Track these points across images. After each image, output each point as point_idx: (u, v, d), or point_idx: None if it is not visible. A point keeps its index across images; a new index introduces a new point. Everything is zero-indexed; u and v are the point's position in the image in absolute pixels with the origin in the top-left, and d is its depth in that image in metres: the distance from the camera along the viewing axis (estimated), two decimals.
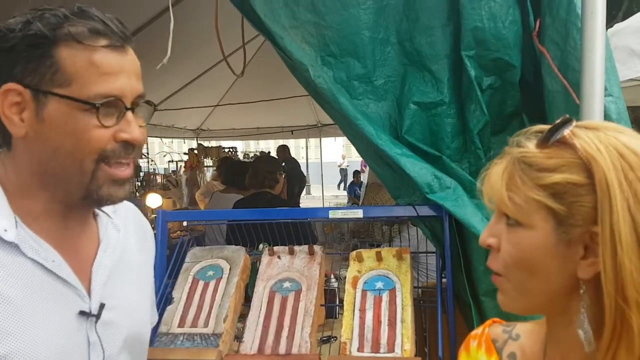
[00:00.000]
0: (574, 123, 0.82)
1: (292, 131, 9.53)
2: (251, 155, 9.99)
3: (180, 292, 1.80)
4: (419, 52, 1.81)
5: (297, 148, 16.89)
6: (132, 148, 0.96)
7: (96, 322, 0.98)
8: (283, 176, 4.05)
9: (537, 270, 0.82)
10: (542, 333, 0.94)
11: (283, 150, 9.17)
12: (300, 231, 2.25)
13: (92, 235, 1.05)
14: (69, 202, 0.97)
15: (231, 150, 8.77)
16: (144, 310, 1.16)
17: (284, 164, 8.72)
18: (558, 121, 0.82)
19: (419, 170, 1.69)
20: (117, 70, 0.93)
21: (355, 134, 1.80)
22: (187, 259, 1.90)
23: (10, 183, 0.94)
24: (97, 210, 1.08)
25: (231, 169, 4.72)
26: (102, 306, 0.99)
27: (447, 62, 1.79)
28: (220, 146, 8.84)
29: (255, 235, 2.24)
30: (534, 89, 1.77)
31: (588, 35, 1.51)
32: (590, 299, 0.79)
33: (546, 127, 0.83)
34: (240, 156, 9.55)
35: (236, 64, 2.91)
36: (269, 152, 9.17)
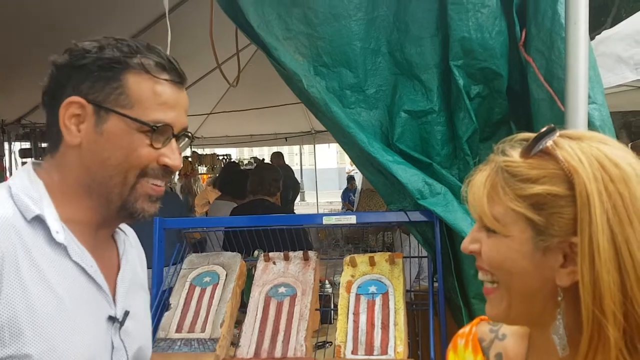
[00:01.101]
0: (557, 133, 0.82)
1: (286, 138, 9.57)
2: (245, 162, 10.01)
3: (177, 299, 1.83)
4: (409, 62, 1.87)
5: (291, 155, 16.93)
6: (170, 172, 1.07)
7: (120, 328, 1.05)
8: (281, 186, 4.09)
9: (514, 273, 0.83)
10: (526, 336, 0.96)
11: (277, 157, 9.19)
12: (295, 238, 2.29)
13: (114, 250, 1.14)
14: (106, 212, 1.05)
15: (225, 157, 8.79)
16: (150, 325, 1.24)
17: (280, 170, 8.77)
18: (542, 130, 0.82)
19: (410, 176, 1.74)
20: (174, 102, 1.04)
21: (348, 142, 1.84)
22: (184, 266, 1.94)
23: (56, 190, 1.02)
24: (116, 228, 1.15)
25: (229, 176, 4.74)
26: (126, 313, 1.06)
27: (437, 71, 1.84)
28: (214, 154, 8.86)
29: (251, 242, 2.28)
30: (520, 97, 1.83)
31: (572, 44, 1.56)
32: (568, 306, 0.81)
33: (531, 135, 0.84)
34: None
35: (230, 72, 2.95)
36: (263, 159, 9.20)
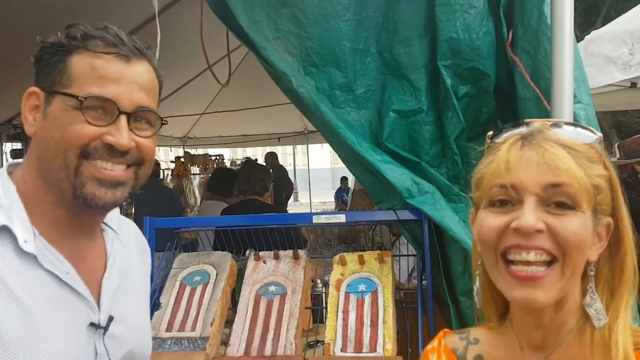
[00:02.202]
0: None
1: (279, 138, 9.58)
2: (238, 162, 10.02)
3: (167, 298, 1.84)
4: (397, 62, 1.88)
5: (284, 155, 16.93)
6: (117, 152, 0.98)
7: (104, 334, 1.01)
8: (272, 185, 4.09)
9: (584, 253, 0.84)
10: (504, 331, 0.97)
11: (271, 157, 9.20)
12: (285, 237, 2.30)
13: (100, 250, 1.09)
14: (66, 204, 0.99)
15: (218, 157, 8.79)
16: (146, 327, 1.20)
17: (271, 170, 8.78)
18: (560, 120, 0.94)
19: (398, 175, 1.76)
20: (117, 76, 0.98)
21: (338, 142, 1.86)
22: (174, 265, 1.95)
23: (28, 193, 0.99)
24: (103, 226, 1.11)
25: (217, 176, 4.75)
26: (110, 319, 1.02)
27: (425, 71, 1.86)
28: (207, 154, 8.85)
29: (242, 242, 2.29)
30: (508, 96, 1.85)
31: (557, 45, 1.58)
32: (602, 278, 0.89)
33: (560, 120, 0.93)
34: (228, 164, 9.56)
35: (222, 72, 2.96)
36: (256, 159, 9.21)
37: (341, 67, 1.92)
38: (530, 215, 0.81)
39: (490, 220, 0.86)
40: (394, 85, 1.91)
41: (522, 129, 0.90)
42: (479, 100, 1.84)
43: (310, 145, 10.89)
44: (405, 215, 1.84)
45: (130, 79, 0.99)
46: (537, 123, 0.90)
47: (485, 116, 1.86)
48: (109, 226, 1.12)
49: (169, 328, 1.75)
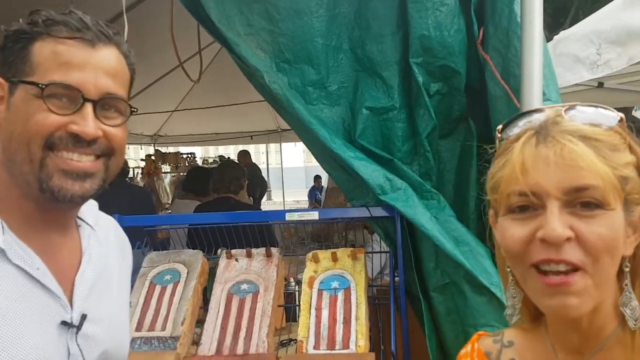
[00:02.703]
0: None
1: (251, 136, 9.53)
2: (210, 161, 9.93)
3: (137, 297, 1.81)
4: (370, 59, 1.88)
5: (257, 153, 16.84)
6: (85, 143, 0.94)
7: (77, 333, 0.97)
8: (246, 183, 4.07)
9: (617, 255, 0.77)
10: (538, 333, 0.92)
11: (244, 155, 9.14)
12: (258, 236, 2.28)
13: (75, 246, 1.04)
14: (33, 198, 0.95)
15: (189, 156, 8.69)
16: (124, 326, 1.16)
17: (245, 169, 8.72)
18: (569, 104, 0.80)
19: (371, 172, 1.76)
20: (80, 62, 0.93)
21: (311, 138, 1.85)
22: (143, 264, 1.91)
23: None
24: (79, 221, 1.07)
25: (192, 175, 4.69)
26: (83, 317, 0.98)
27: (397, 68, 1.86)
28: (178, 152, 8.75)
29: (215, 241, 2.26)
30: (479, 94, 1.86)
31: (527, 43, 1.60)
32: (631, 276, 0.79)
33: (564, 105, 0.81)
34: (199, 162, 9.47)
35: (194, 69, 2.93)
36: (229, 158, 9.14)
37: (314, 63, 1.91)
38: (556, 224, 0.73)
39: (514, 230, 0.78)
40: (366, 82, 1.91)
41: (534, 120, 0.80)
42: (451, 98, 1.85)
43: (283, 144, 10.87)
44: (378, 212, 1.84)
45: (95, 65, 0.94)
46: (549, 111, 0.80)
47: (457, 113, 1.87)
48: (84, 221, 1.08)
49: (138, 328, 1.72)
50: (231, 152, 14.85)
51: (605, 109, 0.79)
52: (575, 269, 0.74)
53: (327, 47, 1.91)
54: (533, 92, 1.59)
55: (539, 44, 1.59)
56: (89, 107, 0.94)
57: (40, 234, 0.97)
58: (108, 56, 0.97)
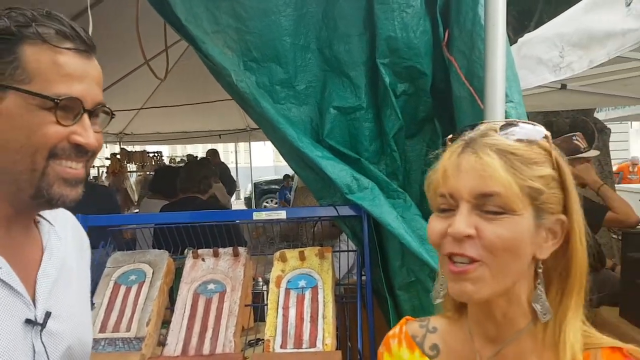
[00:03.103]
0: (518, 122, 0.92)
1: (219, 135, 9.44)
2: (178, 160, 9.80)
3: (101, 298, 1.78)
4: (337, 59, 1.89)
5: (226, 152, 16.73)
6: (84, 152, 0.97)
7: (41, 330, 0.97)
8: (215, 182, 4.04)
9: (519, 253, 0.87)
10: (460, 322, 1.01)
11: (213, 154, 9.05)
12: (225, 235, 2.26)
13: (35, 243, 1.04)
14: (18, 201, 0.96)
15: (156, 155, 8.56)
16: (86, 322, 1.15)
17: (214, 168, 8.64)
18: (508, 121, 0.92)
19: (338, 172, 1.77)
20: (80, 73, 0.95)
21: (278, 138, 1.85)
22: (108, 264, 1.88)
23: None
24: (38, 218, 1.06)
25: (159, 175, 4.63)
26: (47, 315, 0.98)
27: (364, 68, 1.87)
28: (144, 151, 8.61)
29: (181, 241, 2.23)
30: (444, 95, 1.89)
31: (490, 45, 1.63)
32: (551, 277, 0.91)
33: (493, 122, 0.94)
34: (166, 161, 9.35)
35: (162, 67, 2.88)
36: (197, 157, 9.04)
37: (282, 62, 1.91)
38: (461, 222, 0.86)
39: (435, 225, 0.91)
40: (334, 82, 1.92)
41: (472, 132, 0.92)
42: (417, 99, 1.87)
43: (252, 143, 10.80)
44: (346, 211, 1.86)
45: (91, 76, 0.97)
46: (486, 126, 0.92)
47: (423, 114, 1.90)
48: (43, 218, 1.07)
49: (102, 329, 1.69)
50: (199, 151, 14.70)
51: (535, 125, 0.91)
52: (474, 260, 0.86)
53: (295, 47, 1.91)
54: (496, 94, 1.63)
55: (502, 46, 1.63)
56: (86, 118, 0.96)
57: (3, 231, 0.96)
58: (96, 66, 1.00)
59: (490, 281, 0.87)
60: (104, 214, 2.06)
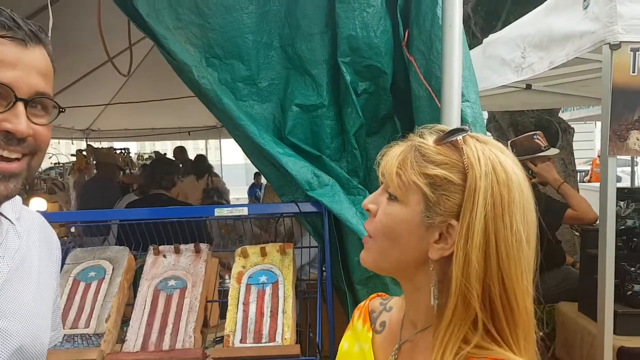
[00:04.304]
0: (468, 132, 0.95)
1: (189, 132, 9.37)
2: (146, 157, 9.69)
3: (60, 294, 1.76)
4: (300, 57, 1.91)
5: (196, 150, 16.55)
6: (16, 141, 0.94)
7: None
8: (180, 180, 4.01)
9: (397, 241, 0.94)
10: (404, 305, 1.06)
11: (180, 151, 8.96)
12: (189, 232, 2.26)
13: None
14: None
15: (123, 151, 8.45)
16: (43, 320, 1.13)
17: (181, 165, 8.57)
18: (457, 127, 0.95)
19: (299, 168, 1.79)
20: (12, 61, 0.93)
21: (240, 134, 1.86)
22: (67, 261, 1.86)
23: None
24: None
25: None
26: None
27: (326, 67, 1.90)
28: (111, 147, 8.49)
29: (143, 238, 2.22)
30: (405, 94, 1.93)
31: (447, 46, 1.68)
32: (437, 276, 0.93)
33: (444, 127, 0.98)
34: (134, 157, 9.24)
35: (127, 62, 2.85)
36: (165, 154, 8.96)
37: (244, 59, 1.92)
38: (369, 198, 1.00)
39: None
40: (296, 79, 1.94)
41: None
42: (377, 97, 1.91)
43: (223, 140, 10.74)
44: (307, 207, 1.88)
45: (27, 64, 0.95)
46: (438, 127, 0.99)
47: (384, 112, 1.93)
48: (4, 216, 1.06)
49: None
50: (168, 148, 14.53)
51: (454, 133, 0.95)
52: (370, 235, 0.98)
53: (258, 44, 1.92)
54: (453, 94, 1.67)
55: (458, 47, 1.67)
56: (20, 106, 0.94)
57: None
58: (39, 56, 0.97)
59: (374, 256, 0.98)
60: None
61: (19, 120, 0.93)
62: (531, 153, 4.22)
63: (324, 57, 1.89)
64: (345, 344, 1.16)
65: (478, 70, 4.56)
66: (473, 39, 7.15)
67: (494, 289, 0.88)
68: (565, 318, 3.68)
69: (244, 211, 1.92)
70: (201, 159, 7.61)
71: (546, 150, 4.21)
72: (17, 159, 0.96)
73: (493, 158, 0.91)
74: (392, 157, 0.96)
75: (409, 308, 1.02)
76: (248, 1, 1.88)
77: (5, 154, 0.93)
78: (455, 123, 1.68)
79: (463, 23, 5.67)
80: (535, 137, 4.34)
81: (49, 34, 1.75)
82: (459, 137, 0.93)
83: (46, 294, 1.16)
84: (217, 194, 5.98)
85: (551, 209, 3.94)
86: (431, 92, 1.77)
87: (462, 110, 1.72)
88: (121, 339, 1.80)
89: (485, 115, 9.52)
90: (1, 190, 0.94)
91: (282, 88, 1.96)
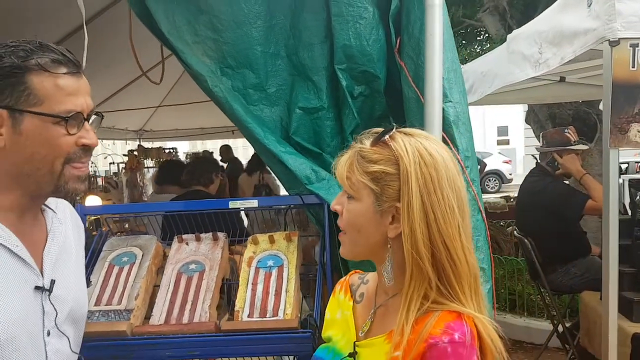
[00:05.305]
0: (395, 130, 1.17)
1: (232, 131, 9.72)
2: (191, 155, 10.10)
3: (97, 276, 2.05)
4: (302, 65, 2.13)
5: (246, 147, 17.00)
6: (89, 150, 1.23)
7: (49, 295, 1.23)
8: (219, 177, 4.29)
9: (361, 230, 1.17)
10: (378, 278, 1.28)
11: (226, 150, 9.35)
12: (222, 222, 2.50)
13: (41, 227, 1.31)
14: (38, 196, 1.22)
15: (172, 150, 8.89)
16: (82, 290, 1.43)
17: (227, 163, 8.93)
18: (386, 129, 1.17)
19: (299, 165, 2.01)
20: (77, 91, 1.20)
21: (249, 135, 2.10)
22: (104, 248, 2.16)
23: None
24: (44, 207, 1.33)
25: (164, 168, 4.93)
26: (52, 282, 1.24)
27: (326, 73, 2.11)
28: (160, 147, 8.94)
29: (183, 228, 2.46)
30: (398, 96, 2.11)
31: (429, 52, 1.86)
32: (394, 251, 1.15)
33: (379, 130, 1.18)
34: (182, 156, 9.67)
35: (174, 65, 3.10)
36: (212, 153, 9.34)
37: (254, 68, 2.15)
38: (333, 201, 1.24)
39: None
40: (300, 85, 2.15)
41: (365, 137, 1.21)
42: (372, 99, 2.10)
43: None
44: (310, 199, 2.09)
45: (83, 90, 1.23)
46: (362, 135, 1.21)
47: (379, 112, 2.13)
48: (48, 207, 1.34)
49: (97, 302, 1.96)
50: (218, 146, 15.01)
51: (384, 134, 1.16)
52: (343, 230, 1.21)
53: (266, 54, 2.15)
54: (434, 94, 1.86)
55: (439, 53, 1.85)
56: (87, 124, 1.24)
57: (17, 219, 1.23)
58: (85, 81, 1.26)
59: (348, 247, 1.21)
60: None
61: (90, 135, 1.24)
62: (561, 145, 4.29)
63: (324, 65, 2.10)
64: (328, 313, 1.39)
65: (503, 65, 4.66)
66: (509, 32, 7.15)
67: (440, 251, 1.10)
68: (587, 308, 3.74)
69: (255, 203, 2.16)
70: (254, 156, 7.94)
71: (575, 145, 4.27)
72: (86, 163, 1.26)
73: (419, 146, 1.13)
74: (342, 164, 1.19)
75: (381, 280, 1.22)
76: (256, 16, 2.10)
77: (82, 163, 1.24)
78: (437, 121, 1.86)
79: (498, 16, 5.82)
80: (566, 131, 4.39)
81: (85, 53, 2.03)
82: (387, 136, 1.14)
83: (80, 268, 1.46)
84: (266, 189, 6.30)
85: (573, 200, 4.00)
86: (418, 93, 1.95)
87: (445, 110, 1.89)
88: (147, 316, 2.07)
89: (525, 107, 9.43)
90: (82, 188, 1.26)
91: (288, 93, 2.18)
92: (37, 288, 1.21)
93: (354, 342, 1.22)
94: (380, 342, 1.15)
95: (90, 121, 1.25)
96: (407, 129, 1.19)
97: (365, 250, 1.20)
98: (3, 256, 1.17)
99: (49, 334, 1.23)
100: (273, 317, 1.86)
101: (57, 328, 1.25)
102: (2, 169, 1.19)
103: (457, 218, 1.11)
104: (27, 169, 1.18)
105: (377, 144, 1.15)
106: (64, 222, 1.38)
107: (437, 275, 1.10)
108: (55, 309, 1.24)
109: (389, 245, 1.16)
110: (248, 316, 1.88)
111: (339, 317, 1.34)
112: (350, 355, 1.20)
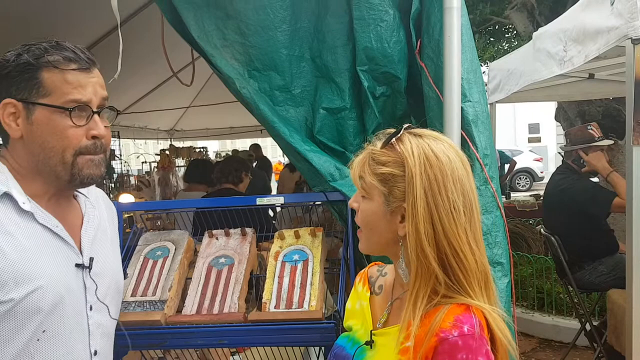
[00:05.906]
0: (404, 131, 1.22)
1: (261, 130, 9.86)
2: (223, 154, 10.30)
3: (133, 269, 2.17)
4: (326, 67, 2.21)
5: (275, 146, 17.17)
6: (102, 145, 1.31)
7: (89, 272, 1.35)
8: (248, 176, 4.41)
9: (374, 228, 1.24)
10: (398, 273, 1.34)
11: (255, 148, 9.51)
12: (250, 218, 2.60)
13: (76, 211, 1.42)
14: (58, 185, 1.30)
15: (202, 149, 9.09)
16: (118, 266, 1.55)
17: (256, 162, 9.08)
18: (395, 131, 1.22)
19: (323, 162, 2.09)
20: (84, 83, 1.28)
21: (275, 135, 2.19)
22: (139, 242, 2.28)
23: (16, 173, 1.29)
24: (76, 193, 1.44)
25: (193, 166, 5.08)
26: (91, 260, 1.36)
27: (348, 75, 2.18)
28: (191, 146, 9.15)
29: (214, 224, 2.57)
30: (419, 95, 2.18)
31: (447, 53, 1.92)
32: (407, 249, 1.19)
33: (392, 130, 1.24)
34: (212, 155, 9.86)
35: (203, 67, 3.21)
36: (252, 155, 9.49)
37: (279, 71, 2.24)
38: (351, 199, 1.30)
39: None
40: (324, 86, 2.24)
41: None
42: (394, 99, 2.17)
43: None
44: (333, 196, 2.18)
45: (94, 84, 1.32)
46: (380, 134, 1.27)
47: (400, 112, 2.19)
48: (80, 192, 1.46)
49: (133, 294, 2.08)
50: (247, 145, 15.22)
51: (392, 136, 1.22)
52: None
53: (291, 57, 2.24)
54: (453, 95, 1.92)
55: (457, 54, 1.91)
56: (96, 117, 1.33)
57: (53, 204, 1.34)
58: (97, 74, 1.35)
59: (365, 243, 1.29)
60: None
61: (99, 126, 1.32)
62: (585, 142, 4.28)
63: (347, 66, 2.18)
64: (349, 304, 1.47)
65: (529, 62, 4.66)
66: (537, 29, 7.09)
67: (446, 249, 1.15)
68: (614, 305, 3.73)
69: (281, 200, 2.25)
70: None
71: (599, 140, 4.25)
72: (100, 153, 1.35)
73: (425, 147, 1.18)
74: (356, 165, 1.26)
75: (398, 274, 1.29)
76: (281, 21, 2.19)
77: (98, 153, 1.33)
78: (456, 120, 1.92)
79: (527, 13, 5.84)
80: (589, 127, 4.38)
81: (120, 57, 2.14)
82: (394, 138, 1.20)
83: (115, 247, 1.58)
84: (307, 186, 6.42)
85: (600, 197, 3.99)
86: (439, 93, 2.01)
87: (464, 109, 1.95)
88: (179, 307, 2.18)
89: (555, 105, 9.32)
90: (98, 173, 1.34)
91: (313, 94, 2.26)
92: (77, 265, 1.33)
93: (371, 331, 1.29)
94: (395, 332, 1.22)
95: (104, 115, 1.34)
96: (417, 130, 1.24)
97: (379, 247, 1.27)
98: (46, 236, 1.28)
99: (91, 308, 1.35)
100: (299, 308, 1.95)
101: (99, 300, 1.37)
102: (25, 159, 1.30)
103: (463, 217, 1.16)
104: (42, 157, 1.28)
105: (386, 146, 1.22)
106: (96, 205, 1.50)
107: (444, 272, 1.15)
108: (95, 283, 1.35)
109: (400, 243, 1.22)
110: (275, 307, 1.97)
111: (358, 307, 1.42)
112: (367, 343, 1.28)
